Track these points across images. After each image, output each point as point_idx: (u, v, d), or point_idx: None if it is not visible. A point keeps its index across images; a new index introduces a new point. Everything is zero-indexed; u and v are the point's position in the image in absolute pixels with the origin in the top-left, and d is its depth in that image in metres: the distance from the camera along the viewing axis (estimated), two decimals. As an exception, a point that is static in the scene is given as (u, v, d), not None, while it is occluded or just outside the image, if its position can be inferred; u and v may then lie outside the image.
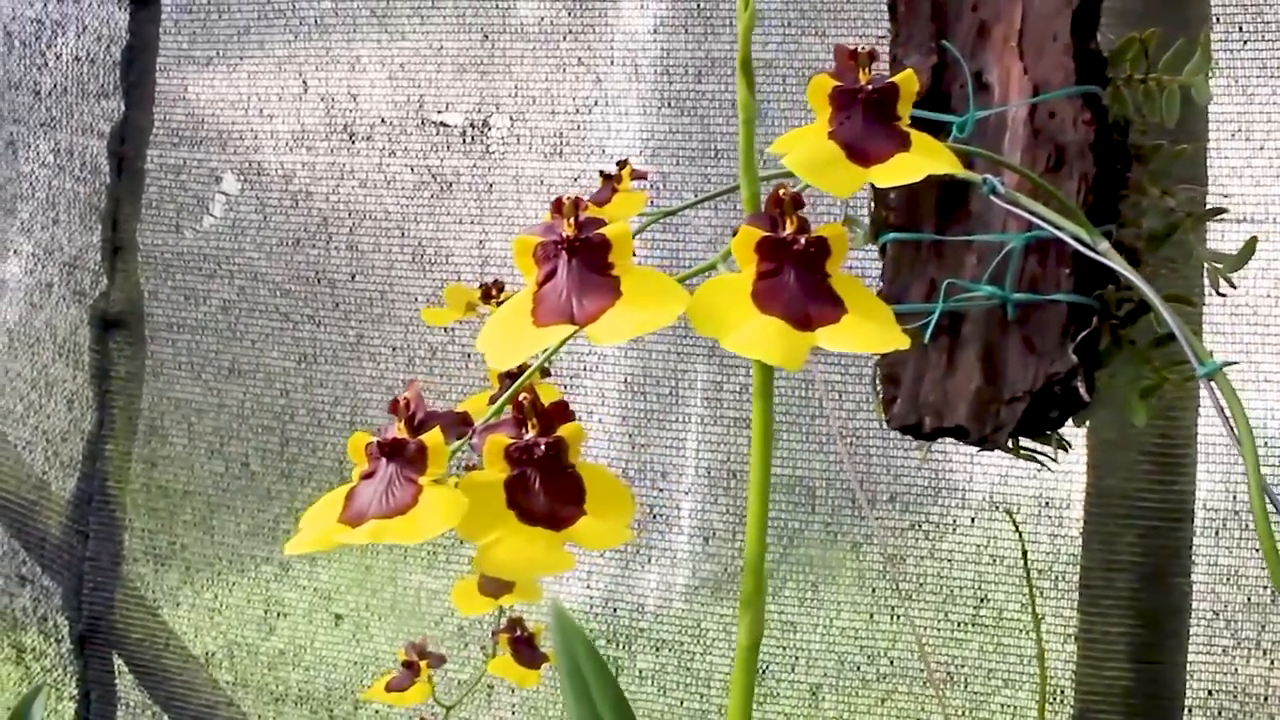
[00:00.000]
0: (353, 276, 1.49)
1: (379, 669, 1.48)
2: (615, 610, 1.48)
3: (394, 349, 1.49)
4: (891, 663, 1.40)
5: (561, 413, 0.47)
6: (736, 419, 1.44)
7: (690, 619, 1.46)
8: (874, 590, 1.41)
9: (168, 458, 1.54)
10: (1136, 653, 1.27)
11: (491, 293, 0.86)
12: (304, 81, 1.49)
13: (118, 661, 1.55)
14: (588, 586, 1.49)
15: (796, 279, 0.43)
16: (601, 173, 0.82)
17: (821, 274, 0.43)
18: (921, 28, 0.78)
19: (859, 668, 1.40)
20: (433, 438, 0.44)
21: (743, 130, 0.43)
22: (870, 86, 0.46)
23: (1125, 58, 0.76)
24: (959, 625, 1.36)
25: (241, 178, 1.53)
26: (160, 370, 1.53)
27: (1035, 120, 0.73)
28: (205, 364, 1.52)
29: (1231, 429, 0.56)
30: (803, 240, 0.43)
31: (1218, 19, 1.23)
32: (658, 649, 1.47)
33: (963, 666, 1.36)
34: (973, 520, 1.36)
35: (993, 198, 0.71)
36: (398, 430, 0.44)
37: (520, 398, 0.46)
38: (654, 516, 1.47)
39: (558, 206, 0.43)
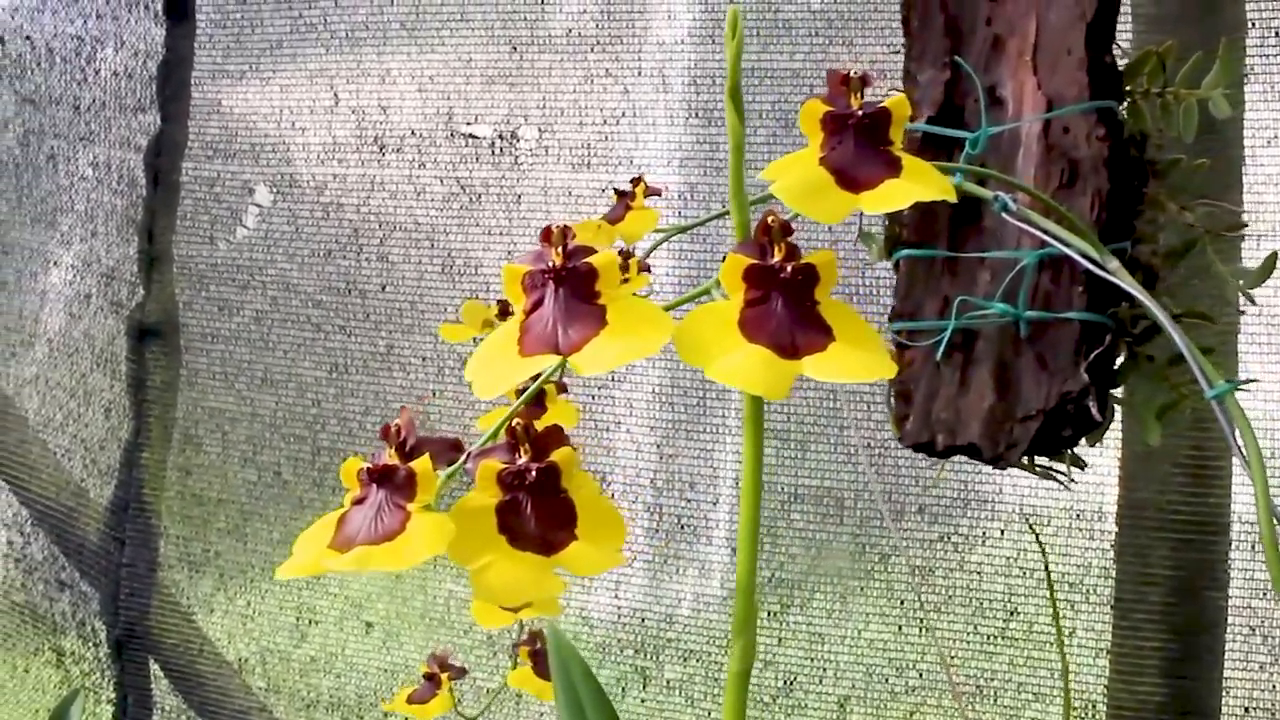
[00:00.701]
0: (383, 287, 1.51)
1: (408, 676, 1.49)
2: (644, 620, 1.49)
3: (424, 359, 1.50)
4: (920, 675, 1.38)
5: (555, 437, 0.47)
6: (765, 429, 1.44)
7: (718, 629, 1.46)
8: (902, 602, 1.40)
9: (202, 466, 1.56)
10: (1170, 668, 1.25)
11: (509, 309, 0.87)
12: (335, 94, 1.51)
13: (154, 666, 1.58)
14: (616, 596, 1.49)
15: (784, 307, 0.43)
16: (615, 189, 0.83)
17: (810, 301, 0.43)
18: (935, 42, 0.77)
19: (887, 680, 1.39)
20: (422, 465, 0.44)
21: (732, 157, 0.43)
22: (861, 112, 0.45)
23: (1142, 71, 0.75)
24: (988, 638, 1.35)
25: (274, 190, 1.55)
26: (195, 380, 1.56)
27: (1049, 136, 0.72)
28: (239, 374, 1.54)
29: (1240, 451, 0.55)
30: (790, 268, 0.42)
31: (1253, 24, 1.21)
32: (685, 659, 1.47)
33: (992, 680, 1.34)
34: (1002, 532, 1.35)
35: (1004, 215, 0.70)
36: (388, 456, 0.45)
37: (514, 423, 0.46)
38: (682, 527, 1.47)
39: (546, 235, 0.43)
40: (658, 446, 1.49)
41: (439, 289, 1.49)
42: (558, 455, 0.46)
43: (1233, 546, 1.25)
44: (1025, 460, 0.75)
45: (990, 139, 0.74)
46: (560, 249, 0.43)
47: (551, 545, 0.45)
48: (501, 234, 1.49)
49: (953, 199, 0.45)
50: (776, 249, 0.43)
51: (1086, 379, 0.68)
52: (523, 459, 0.46)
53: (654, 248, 0.88)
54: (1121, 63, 0.75)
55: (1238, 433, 0.56)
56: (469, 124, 1.50)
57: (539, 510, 0.45)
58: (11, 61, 1.60)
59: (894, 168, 0.45)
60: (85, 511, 1.59)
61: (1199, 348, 0.74)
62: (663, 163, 1.47)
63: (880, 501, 1.26)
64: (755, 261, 0.43)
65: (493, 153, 1.48)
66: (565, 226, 0.43)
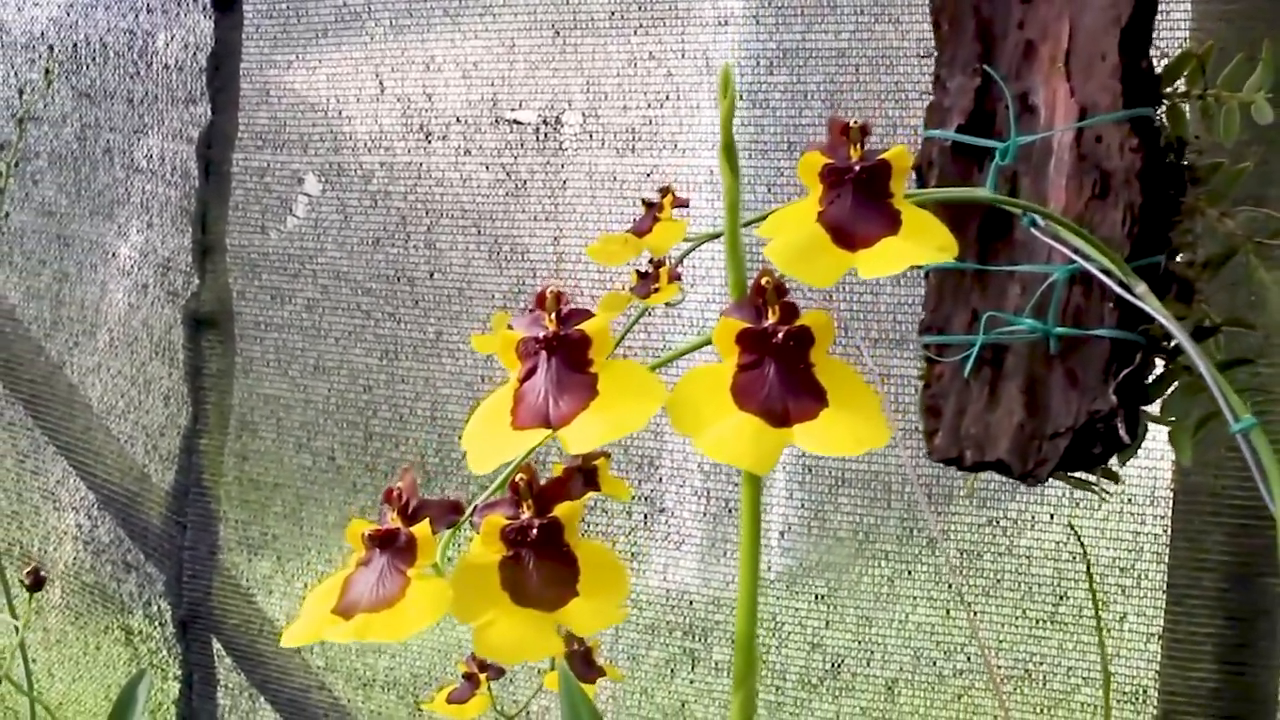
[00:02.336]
0: (431, 274, 1.52)
1: (461, 656, 1.52)
2: (691, 603, 1.50)
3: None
4: (968, 659, 1.38)
5: (557, 492, 0.47)
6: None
7: (765, 612, 1.46)
8: (950, 585, 1.39)
9: (258, 452, 1.59)
10: (1224, 654, 1.23)
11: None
12: (380, 83, 1.51)
13: (217, 645, 1.62)
14: (665, 579, 1.50)
15: (776, 372, 0.42)
16: (644, 200, 0.82)
17: (804, 364, 0.43)
18: (966, 47, 0.76)
19: (935, 663, 1.39)
20: (421, 530, 0.45)
21: (727, 215, 0.43)
22: (860, 165, 0.45)
23: (1181, 73, 0.73)
24: (1037, 622, 1.34)
25: (322, 179, 1.56)
26: (250, 367, 1.58)
27: (1081, 145, 0.70)
28: (292, 361, 1.57)
29: (1265, 486, 0.54)
30: (783, 333, 0.42)
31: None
32: (733, 641, 1.48)
33: (1041, 664, 1.34)
34: (1051, 516, 1.34)
35: (1034, 231, 0.69)
36: (391, 520, 0.45)
37: (516, 478, 0.47)
38: (729, 510, 1.48)
39: (540, 301, 0.43)
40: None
41: (486, 275, 1.50)
42: (560, 510, 0.47)
43: (1291, 532, 1.22)
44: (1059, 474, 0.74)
45: (1021, 148, 0.72)
46: (554, 315, 0.43)
47: (553, 602, 0.45)
48: (547, 219, 1.49)
49: (952, 259, 0.44)
50: (771, 311, 0.43)
51: (1115, 400, 0.66)
52: (525, 514, 0.46)
53: (685, 255, 0.88)
54: (1161, 64, 0.73)
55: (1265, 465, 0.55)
56: (513, 110, 1.49)
57: (541, 566, 0.46)
58: (68, 57, 1.62)
59: (893, 224, 0.44)
60: (148, 496, 1.63)
61: (1240, 358, 0.72)
62: (707, 146, 1.46)
63: (917, 488, 1.25)
64: (748, 325, 0.43)
65: (537, 138, 1.48)
66: (559, 292, 0.43)
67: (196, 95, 1.58)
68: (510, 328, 0.44)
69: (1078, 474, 0.75)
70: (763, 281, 0.43)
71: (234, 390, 1.59)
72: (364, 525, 0.46)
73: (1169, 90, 0.73)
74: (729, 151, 0.42)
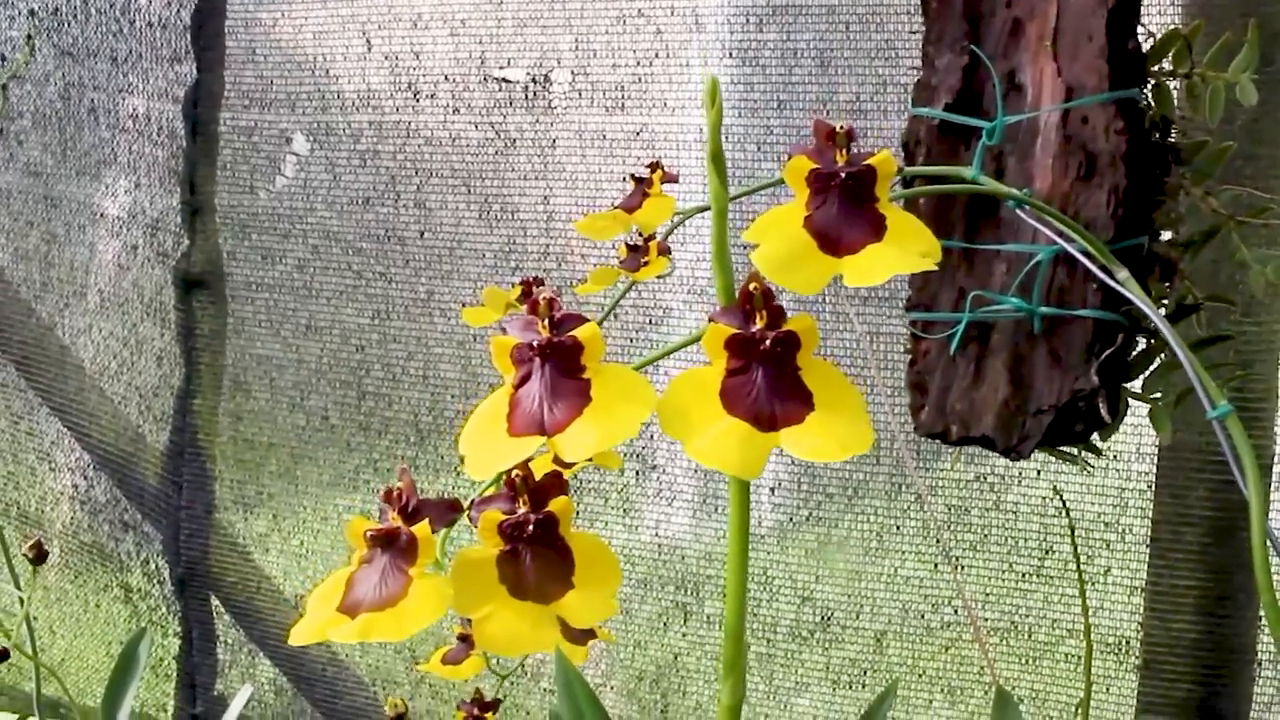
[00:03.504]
0: (421, 234, 1.52)
1: (457, 617, 1.54)
2: (684, 557, 1.52)
3: (463, 304, 1.52)
4: (956, 611, 1.41)
5: (553, 487, 0.49)
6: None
7: (756, 566, 1.48)
8: (938, 540, 1.41)
9: (252, 412, 1.60)
10: (1205, 606, 1.26)
11: (531, 291, 0.88)
12: (368, 40, 1.50)
13: (215, 602, 1.64)
14: (657, 534, 1.52)
15: (764, 376, 0.43)
16: (632, 176, 0.83)
17: (791, 368, 0.44)
18: (954, 25, 0.76)
19: (923, 616, 1.41)
20: (422, 530, 0.46)
21: (715, 221, 0.43)
22: (846, 171, 0.45)
23: (1168, 52, 0.73)
24: (1023, 576, 1.37)
25: (311, 138, 1.56)
26: (242, 328, 1.59)
27: (1068, 125, 0.71)
28: (284, 321, 1.57)
29: (1239, 472, 0.55)
30: (770, 340, 0.43)
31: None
32: (725, 595, 1.50)
33: (1027, 616, 1.36)
34: (1038, 473, 1.36)
35: (1019, 213, 0.70)
36: (391, 519, 0.46)
37: (513, 474, 0.48)
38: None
39: (533, 307, 0.44)
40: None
41: (476, 234, 1.50)
42: (555, 505, 0.48)
43: (1273, 486, 1.24)
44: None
45: (1008, 126, 0.73)
46: (547, 320, 0.44)
47: (550, 595, 0.47)
48: (537, 179, 1.49)
49: (935, 265, 0.45)
50: (759, 316, 0.44)
51: (1096, 381, 0.68)
52: (522, 509, 0.47)
53: (673, 228, 0.88)
54: (1146, 44, 0.73)
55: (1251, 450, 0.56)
56: (501, 68, 1.49)
57: (538, 560, 0.47)
58: (49, 15, 1.61)
59: (879, 230, 0.45)
60: (143, 456, 1.64)
61: (1220, 334, 0.73)
62: (696, 104, 1.46)
63: (904, 445, 1.27)
64: (737, 331, 0.44)
65: (526, 97, 1.48)
66: (551, 298, 0.44)
67: (181, 53, 1.57)
68: (503, 331, 0.45)
69: (1061, 448, 0.76)
70: (750, 287, 0.44)
71: (226, 351, 1.60)
72: (365, 524, 0.47)
73: (1155, 69, 0.73)
74: (717, 160, 0.43)
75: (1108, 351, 0.68)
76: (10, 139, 1.69)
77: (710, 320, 0.44)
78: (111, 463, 1.66)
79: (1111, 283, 0.61)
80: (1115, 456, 1.31)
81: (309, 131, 1.55)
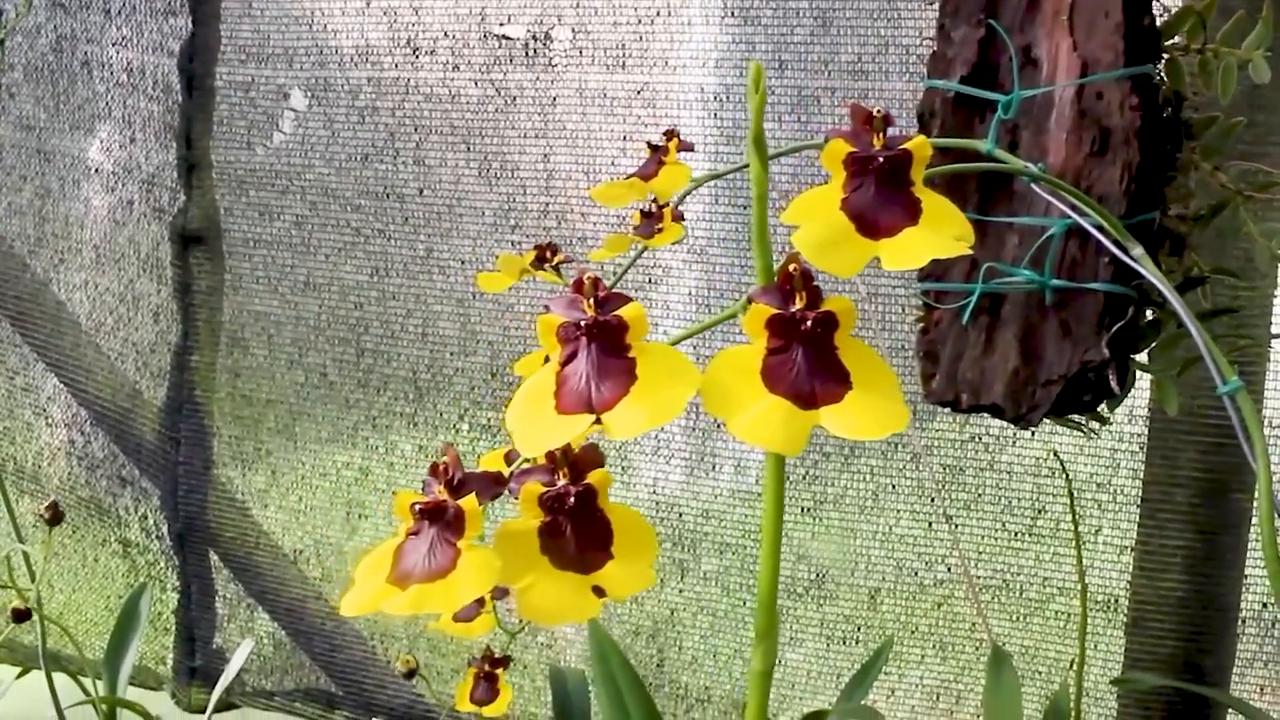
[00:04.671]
0: (421, 191, 1.52)
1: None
2: (680, 515, 1.54)
3: (463, 262, 1.52)
4: (949, 569, 1.43)
5: (591, 459, 0.50)
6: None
7: (753, 524, 1.50)
8: (933, 499, 1.44)
9: (250, 368, 1.60)
10: (1192, 565, 1.29)
11: (545, 256, 0.88)
12: (366, -6, 1.49)
13: (214, 557, 1.65)
14: (654, 492, 1.54)
15: (804, 356, 0.44)
16: (649, 143, 0.83)
17: (830, 347, 0.45)
18: (970, -4, 0.76)
19: (916, 573, 1.44)
20: (469, 503, 0.47)
21: (756, 205, 0.44)
22: (883, 155, 0.46)
23: (1181, 28, 0.74)
24: (1016, 535, 1.39)
25: (309, 94, 1.55)
26: (239, 284, 1.59)
27: (1082, 100, 0.72)
28: (282, 278, 1.57)
29: (1248, 446, 0.57)
30: (811, 320, 0.44)
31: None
32: (722, 552, 1.52)
33: (1019, 575, 1.39)
34: (1033, 434, 1.37)
35: (1034, 187, 0.71)
36: (438, 492, 0.47)
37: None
38: (718, 425, 1.51)
39: (578, 286, 0.45)
40: (695, 348, 1.51)
41: (476, 192, 1.50)
42: (594, 477, 0.49)
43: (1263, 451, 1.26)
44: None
45: (1023, 100, 0.73)
46: (592, 300, 0.45)
47: (590, 565, 0.48)
48: (538, 137, 1.48)
49: (968, 249, 0.46)
50: (798, 296, 0.45)
51: (1107, 353, 0.69)
52: (561, 481, 0.49)
53: (686, 194, 0.89)
54: (1161, 19, 0.74)
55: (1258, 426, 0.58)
56: (502, 24, 1.48)
57: (578, 531, 0.48)
58: (40, -36, 1.59)
59: (914, 213, 0.46)
60: (141, 412, 1.65)
61: (1225, 307, 0.75)
62: (698, 64, 1.46)
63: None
64: (778, 311, 0.45)
65: (526, 54, 1.47)
66: (596, 277, 0.45)
67: (176, 7, 1.55)
68: (547, 310, 0.46)
69: (1067, 416, 0.78)
70: (790, 268, 0.45)
71: (224, 307, 1.60)
72: (411, 497, 0.48)
73: (1168, 44, 0.74)
74: (759, 144, 0.44)
75: (1118, 324, 0.70)
76: (2, 91, 1.68)
77: (750, 300, 0.45)
78: (109, 418, 1.67)
79: (1126, 258, 0.63)
80: (1108, 419, 1.33)
81: (307, 87, 1.55)
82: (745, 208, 1.46)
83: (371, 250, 1.53)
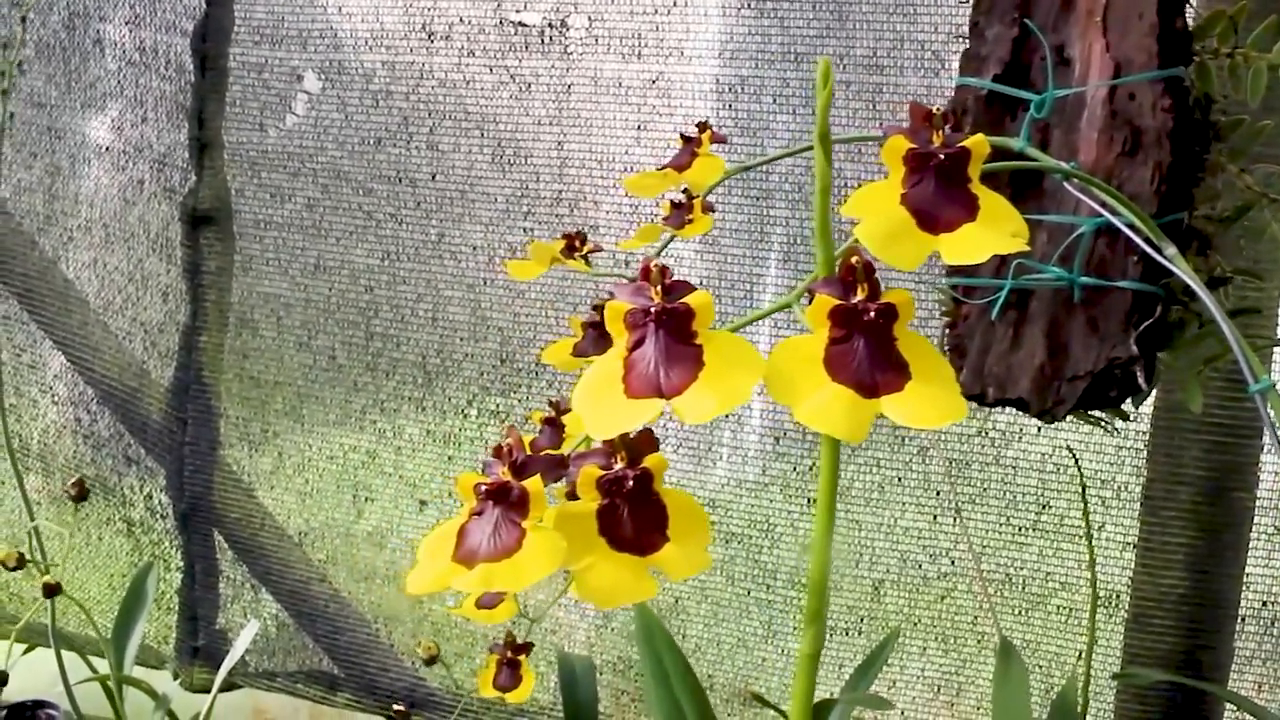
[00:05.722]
0: (433, 176, 1.52)
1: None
2: (686, 504, 1.54)
3: (474, 248, 1.53)
4: (953, 562, 1.44)
5: (647, 443, 0.51)
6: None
7: (759, 514, 1.51)
8: (938, 493, 1.45)
9: (258, 349, 1.61)
10: (1194, 562, 1.30)
11: (575, 245, 0.89)
12: (381, -22, 1.49)
13: (218, 538, 1.66)
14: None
15: (865, 346, 0.45)
16: (682, 135, 0.84)
17: (889, 338, 0.46)
18: (1005, -5, 0.77)
19: (920, 566, 1.45)
20: (534, 484, 0.48)
21: (819, 199, 0.45)
22: (943, 152, 0.47)
23: (1213, 31, 0.75)
24: (1020, 530, 1.40)
25: (323, 76, 1.55)
26: (249, 265, 1.59)
27: (1114, 101, 0.73)
28: (292, 260, 1.57)
29: (1277, 444, 0.58)
30: (873, 310, 0.45)
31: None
32: (727, 541, 1.53)
33: (1021, 569, 1.40)
34: (1039, 430, 1.39)
35: (1066, 185, 0.72)
36: (500, 474, 0.48)
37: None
38: (726, 416, 1.52)
39: (645, 273, 0.46)
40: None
41: (489, 178, 1.51)
42: (650, 461, 0.50)
43: (1264, 449, 1.28)
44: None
45: (1055, 100, 0.74)
46: (659, 287, 0.46)
47: (647, 547, 0.49)
48: (551, 124, 1.49)
49: (1025, 246, 0.47)
50: (860, 289, 0.46)
51: (1135, 349, 0.70)
52: (619, 465, 0.50)
53: (714, 185, 0.90)
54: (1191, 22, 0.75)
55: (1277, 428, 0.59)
56: (518, 11, 1.48)
57: (635, 514, 0.49)
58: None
59: (972, 209, 0.47)
60: (147, 392, 1.65)
61: (1248, 307, 0.76)
62: (714, 54, 1.46)
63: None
64: (840, 302, 0.46)
65: (542, 41, 1.48)
66: (664, 265, 0.46)
67: (190, -13, 1.55)
68: (611, 296, 0.47)
69: (1090, 412, 0.79)
70: (853, 261, 0.46)
71: (233, 288, 1.60)
72: (475, 478, 0.49)
73: (1199, 47, 0.75)
74: (824, 140, 0.44)
75: (1147, 322, 0.71)
76: (14, 68, 1.67)
77: (812, 291, 0.46)
78: (115, 397, 1.67)
79: (1160, 258, 0.64)
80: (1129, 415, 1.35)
81: (321, 70, 1.55)
82: (758, 199, 1.47)
83: (383, 234, 1.54)
